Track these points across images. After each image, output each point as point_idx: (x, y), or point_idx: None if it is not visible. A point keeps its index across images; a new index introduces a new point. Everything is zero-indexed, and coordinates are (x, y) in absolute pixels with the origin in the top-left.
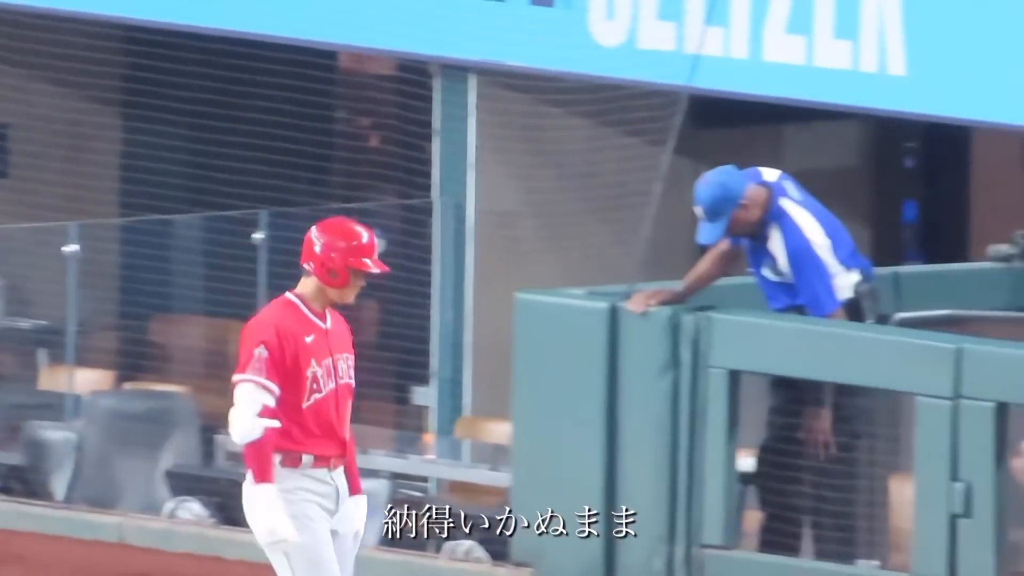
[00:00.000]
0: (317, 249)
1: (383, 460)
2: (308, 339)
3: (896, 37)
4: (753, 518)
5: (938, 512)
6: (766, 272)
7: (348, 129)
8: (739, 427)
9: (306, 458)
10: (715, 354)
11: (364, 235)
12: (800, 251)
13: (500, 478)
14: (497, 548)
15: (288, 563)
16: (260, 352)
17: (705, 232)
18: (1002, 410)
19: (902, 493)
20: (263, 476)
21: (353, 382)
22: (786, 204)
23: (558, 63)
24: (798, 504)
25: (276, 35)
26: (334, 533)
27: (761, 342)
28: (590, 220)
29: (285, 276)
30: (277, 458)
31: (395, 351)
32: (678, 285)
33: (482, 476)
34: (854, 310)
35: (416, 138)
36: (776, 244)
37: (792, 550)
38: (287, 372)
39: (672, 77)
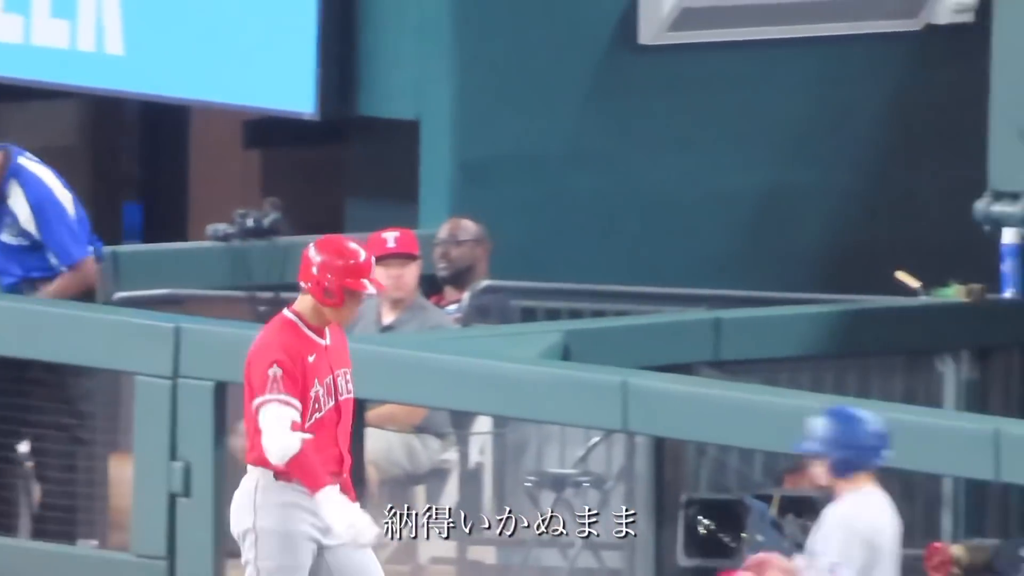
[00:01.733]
0: (314, 269)
1: None
2: (310, 359)
3: (114, 17)
4: None
5: (157, 491)
6: (7, 237)
7: None
8: None
9: None
10: None
11: (361, 254)
12: (42, 200)
13: None
14: None
15: None
16: (275, 372)
17: None
18: (220, 389)
19: (122, 472)
20: (317, 484)
21: (352, 396)
22: (25, 161)
23: None
24: (15, 484)
25: None
26: (332, 548)
27: None
28: None
29: None
30: (270, 473)
31: None
32: None
33: None
34: None
35: None
36: (18, 200)
37: (9, 529)
38: (300, 390)
39: None
